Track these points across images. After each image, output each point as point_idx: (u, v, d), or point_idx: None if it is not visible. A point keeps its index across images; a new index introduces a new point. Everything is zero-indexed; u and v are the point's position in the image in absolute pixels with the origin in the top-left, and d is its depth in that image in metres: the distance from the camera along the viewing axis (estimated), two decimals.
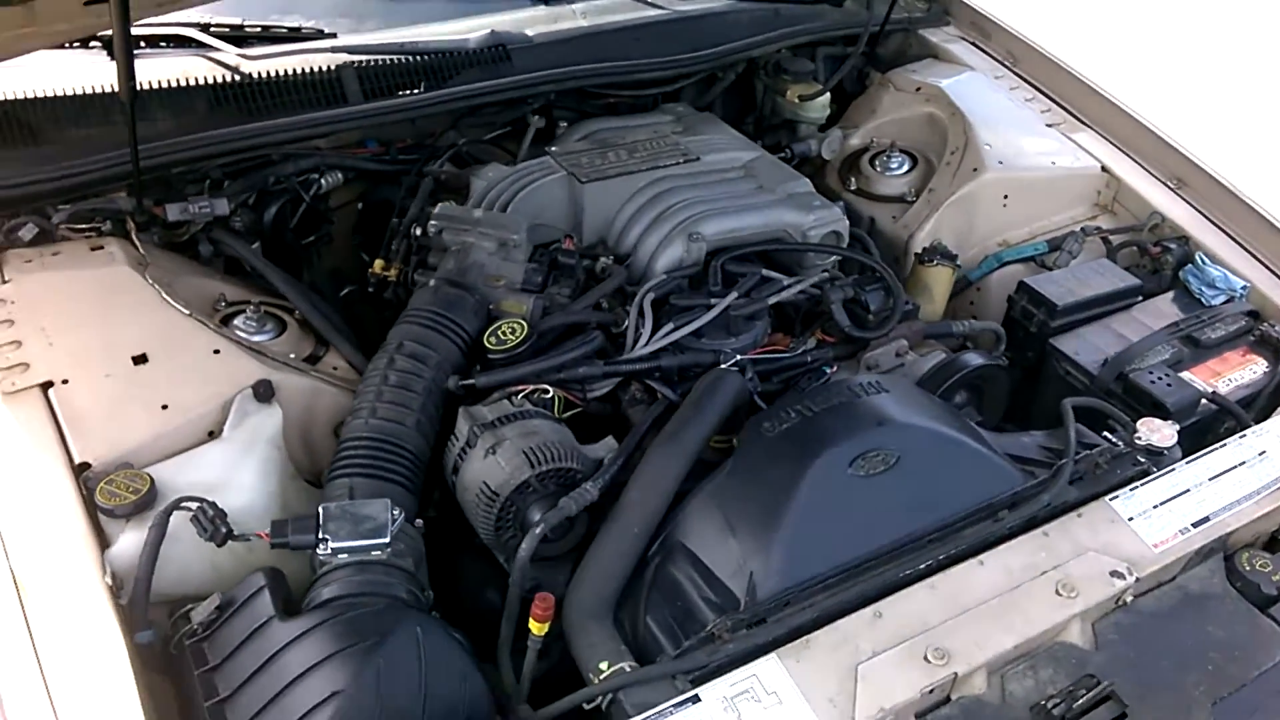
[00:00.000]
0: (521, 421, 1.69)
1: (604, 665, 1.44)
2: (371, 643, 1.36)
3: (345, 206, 2.35)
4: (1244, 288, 2.17)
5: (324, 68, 2.19)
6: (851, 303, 1.99)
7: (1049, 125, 2.56)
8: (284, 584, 1.46)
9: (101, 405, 1.63)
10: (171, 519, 1.46)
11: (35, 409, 1.60)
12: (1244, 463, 1.76)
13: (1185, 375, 1.98)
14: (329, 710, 1.29)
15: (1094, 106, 2.57)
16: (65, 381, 1.65)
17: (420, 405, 1.71)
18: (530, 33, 2.42)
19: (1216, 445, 1.78)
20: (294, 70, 2.16)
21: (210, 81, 2.12)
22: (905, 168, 2.52)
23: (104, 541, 1.47)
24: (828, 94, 2.59)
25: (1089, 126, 2.55)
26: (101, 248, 1.91)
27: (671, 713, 1.35)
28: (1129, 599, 1.58)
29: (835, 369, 1.95)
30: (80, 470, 1.54)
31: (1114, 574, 1.57)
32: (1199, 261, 2.22)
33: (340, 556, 1.47)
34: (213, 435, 1.65)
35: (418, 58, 2.26)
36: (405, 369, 1.74)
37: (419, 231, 2.00)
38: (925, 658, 1.43)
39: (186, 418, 1.64)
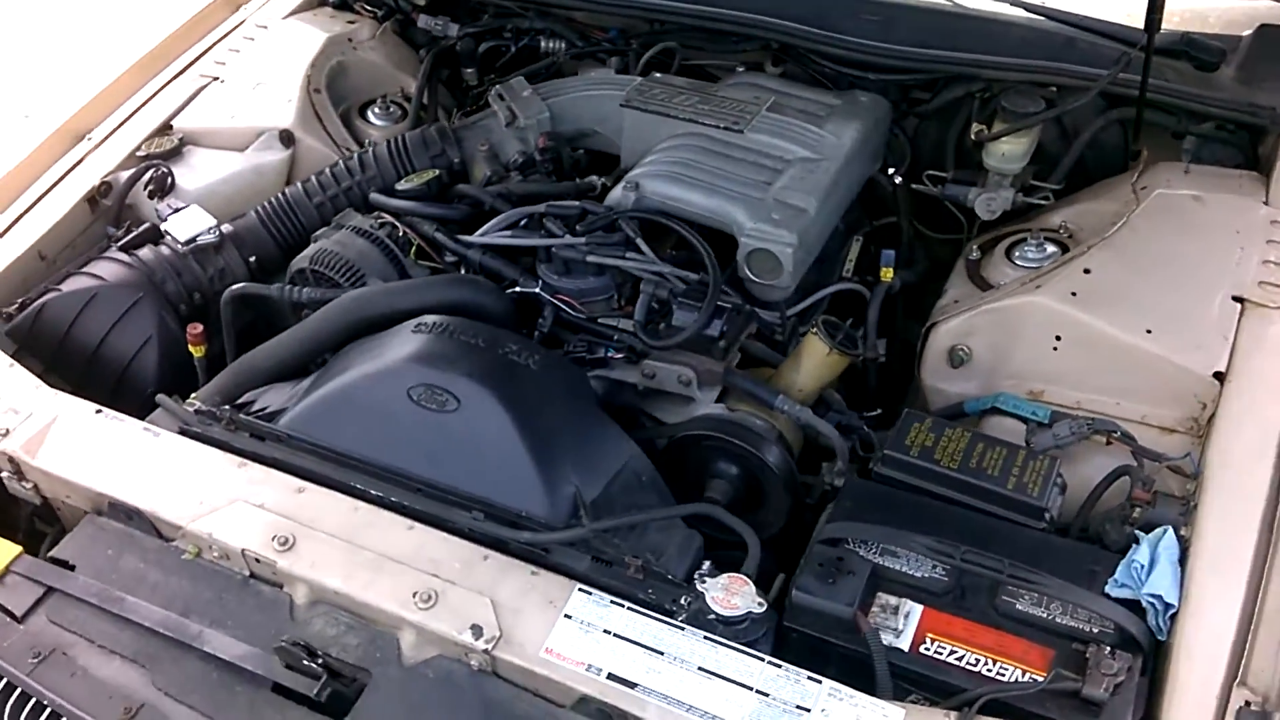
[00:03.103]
0: (353, 235, 2.03)
1: (193, 396, 1.85)
2: (102, 285, 1.97)
3: None
4: (1170, 612, 1.40)
5: None
6: (662, 305, 1.81)
7: (1237, 298, 1.73)
8: (149, 235, 2.12)
9: (212, 101, 2.41)
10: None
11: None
12: (762, 692, 1.34)
13: (901, 607, 1.44)
14: (50, 296, 1.97)
15: None
16: (222, 80, 2.46)
17: (334, 195, 2.17)
18: None
19: (766, 658, 1.37)
20: None
21: None
22: (1042, 264, 1.96)
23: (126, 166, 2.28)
24: (1020, 148, 2.06)
25: None
26: (354, 22, 2.65)
27: (138, 433, 1.73)
28: (474, 663, 1.43)
29: (620, 356, 1.85)
30: (165, 128, 2.36)
31: (475, 628, 1.43)
32: (1154, 543, 1.46)
33: (167, 239, 2.07)
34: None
35: None
36: (348, 168, 2.19)
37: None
38: (273, 536, 1.55)
39: (237, 129, 2.34)
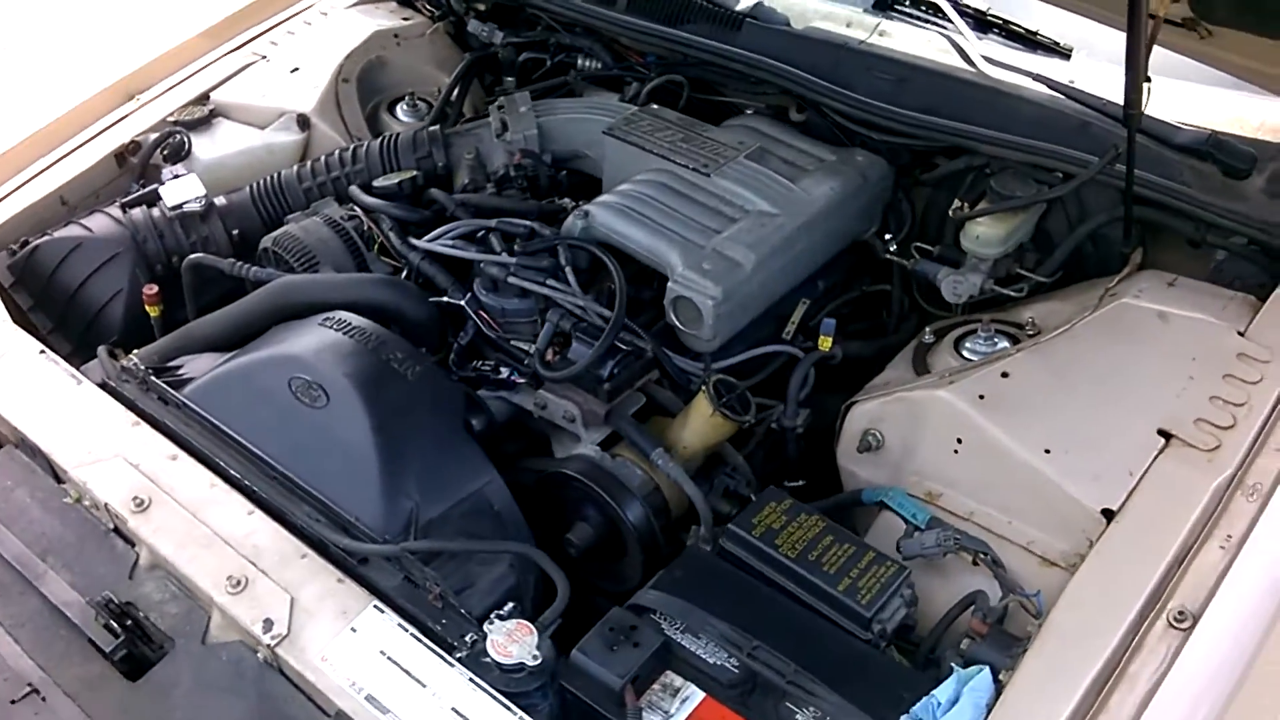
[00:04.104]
0: (319, 224, 2.10)
1: (134, 352, 1.96)
2: (88, 236, 2.12)
3: None
4: None
5: None
6: (561, 336, 1.80)
7: (1164, 432, 1.55)
8: (149, 196, 2.25)
9: (253, 79, 2.55)
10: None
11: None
12: None
13: (683, 691, 1.38)
14: (42, 239, 2.13)
15: None
16: (268, 60, 2.60)
17: (321, 183, 2.26)
18: (801, 25, 2.32)
19: (518, 713, 1.35)
20: None
21: None
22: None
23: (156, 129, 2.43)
24: (998, 232, 1.93)
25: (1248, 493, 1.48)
26: (409, 19, 2.74)
27: (65, 379, 1.85)
28: (260, 656, 1.46)
29: (523, 380, 1.84)
30: (203, 98, 2.51)
31: (266, 622, 1.47)
32: (964, 681, 1.34)
33: (160, 202, 2.20)
34: None
35: None
36: (340, 159, 2.27)
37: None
38: (133, 496, 1.63)
39: (264, 107, 2.47)
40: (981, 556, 1.53)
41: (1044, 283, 2.02)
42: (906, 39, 2.27)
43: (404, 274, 2.04)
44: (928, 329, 1.96)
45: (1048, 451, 1.57)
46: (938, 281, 2.00)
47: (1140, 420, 1.59)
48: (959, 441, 1.66)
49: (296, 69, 2.56)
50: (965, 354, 1.87)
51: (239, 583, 1.52)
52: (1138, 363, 1.67)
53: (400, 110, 2.61)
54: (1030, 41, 2.25)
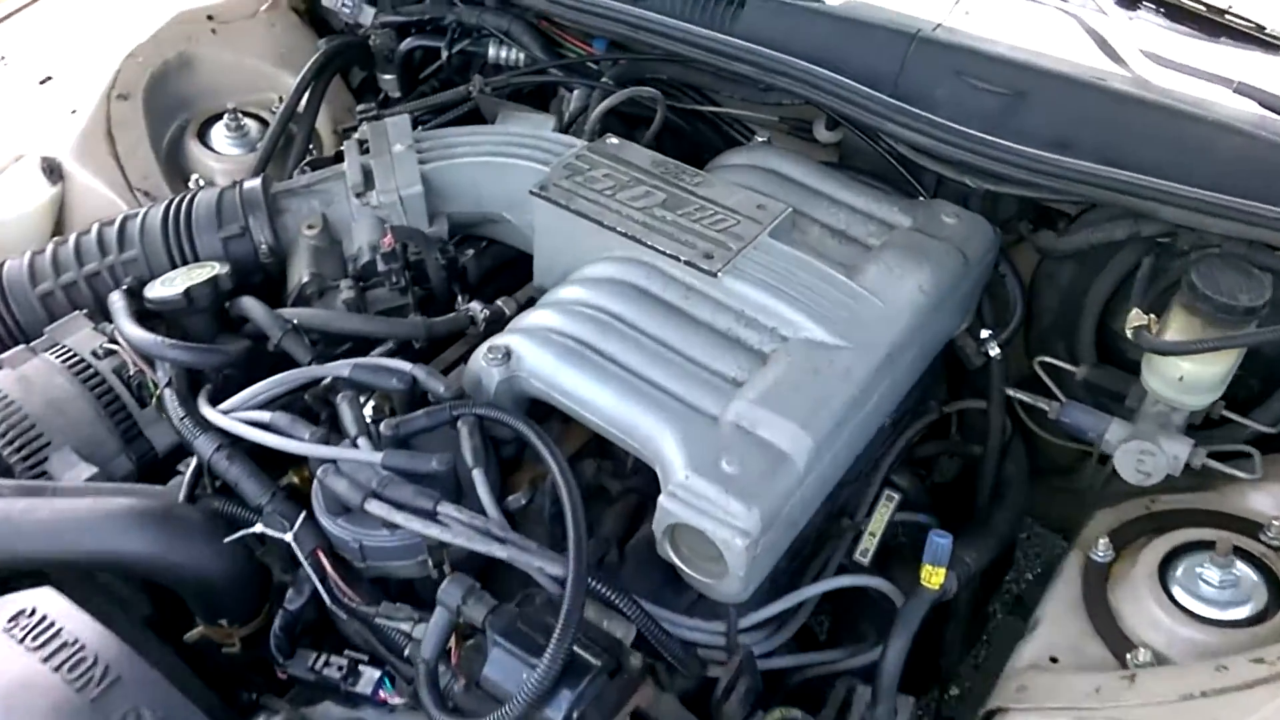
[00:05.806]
0: (55, 368, 1.21)
1: None
2: None
3: None
4: None
5: None
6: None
7: None
8: None
9: None
10: None
11: None
12: None
13: None
14: None
15: None
16: (5, 61, 1.69)
17: (68, 284, 1.34)
18: (846, 11, 1.46)
19: None
20: None
21: None
22: (1225, 608, 1.04)
23: None
24: (1216, 372, 1.13)
25: None
26: None
27: None
28: None
29: (401, 700, 1.01)
30: None
31: None
32: None
33: None
34: None
35: None
36: (101, 242, 1.36)
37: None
38: None
39: None
40: None
41: (1265, 434, 1.24)
42: (1006, 20, 1.43)
43: (193, 471, 1.18)
44: (1099, 532, 1.15)
45: None
46: (1108, 449, 1.20)
47: None
48: None
49: (48, 78, 1.64)
50: (1179, 595, 1.07)
51: None
52: None
53: (220, 136, 1.70)
54: (1212, 24, 1.42)
